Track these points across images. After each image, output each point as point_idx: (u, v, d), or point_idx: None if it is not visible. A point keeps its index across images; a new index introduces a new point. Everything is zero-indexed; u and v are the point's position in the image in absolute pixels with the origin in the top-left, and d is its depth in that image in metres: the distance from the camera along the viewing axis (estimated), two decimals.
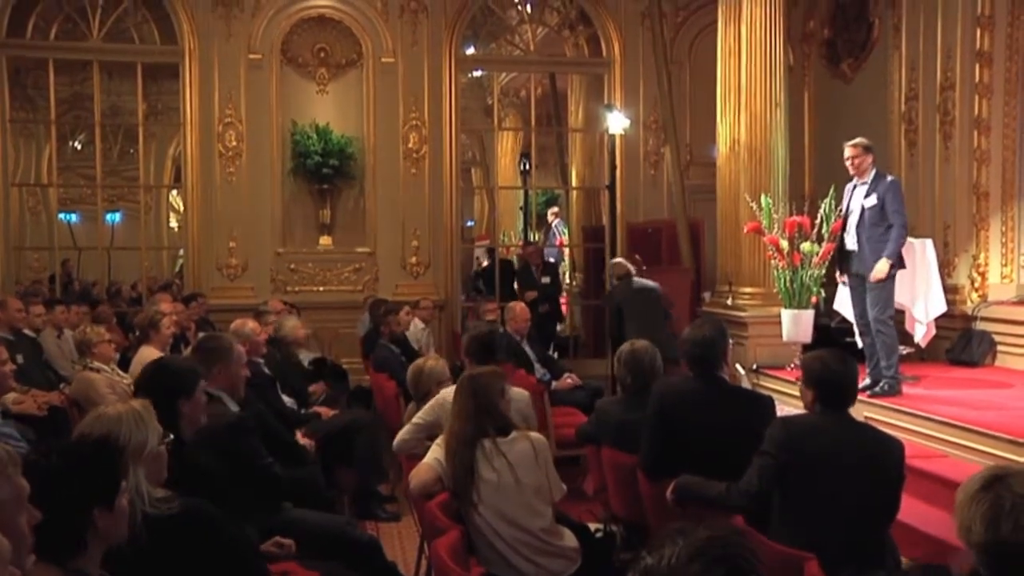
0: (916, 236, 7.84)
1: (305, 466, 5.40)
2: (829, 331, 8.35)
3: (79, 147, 16.13)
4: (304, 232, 11.23)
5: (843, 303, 7.86)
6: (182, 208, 12.05)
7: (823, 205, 7.54)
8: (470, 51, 12.30)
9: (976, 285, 8.72)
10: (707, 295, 9.75)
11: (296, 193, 11.14)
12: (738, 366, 8.21)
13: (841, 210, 7.27)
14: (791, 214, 7.99)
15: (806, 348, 7.39)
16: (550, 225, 15.43)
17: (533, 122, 13.04)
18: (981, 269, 8.71)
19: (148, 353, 6.39)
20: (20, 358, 6.82)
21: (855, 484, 3.56)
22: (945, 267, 8.59)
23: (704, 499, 3.96)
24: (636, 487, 4.52)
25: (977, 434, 5.78)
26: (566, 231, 14.59)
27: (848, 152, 7.06)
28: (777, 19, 8.66)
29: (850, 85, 10.42)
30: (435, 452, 4.14)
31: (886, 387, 6.89)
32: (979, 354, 8.32)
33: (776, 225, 7.90)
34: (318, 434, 6.21)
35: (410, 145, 11.19)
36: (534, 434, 4.15)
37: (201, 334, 6.84)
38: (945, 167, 8.87)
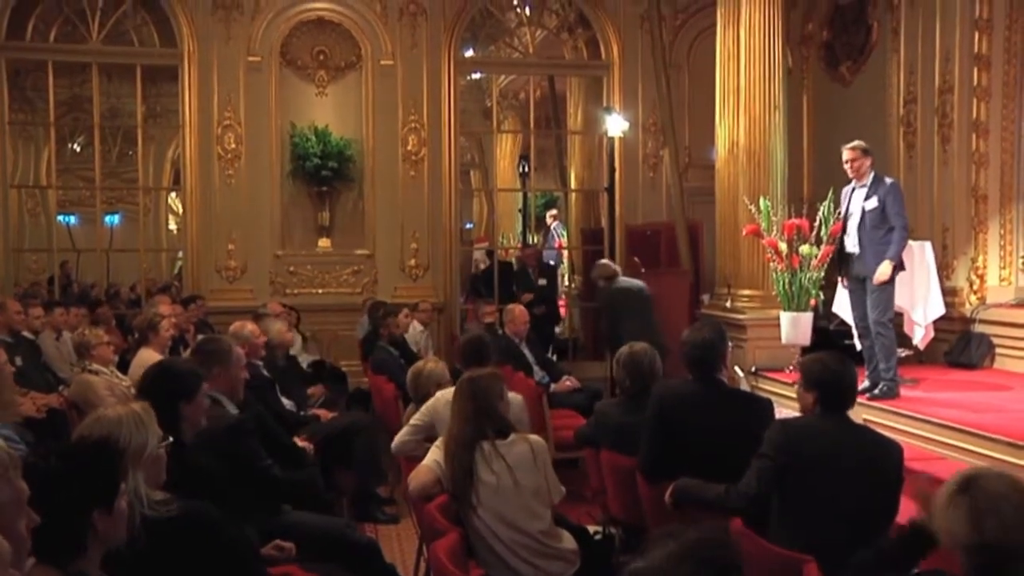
0: (915, 239, 7.83)
1: (304, 468, 5.38)
2: (828, 334, 8.35)
3: (78, 149, 16.10)
4: (303, 234, 11.23)
5: (842, 306, 7.86)
6: (181, 210, 12.04)
7: (822, 208, 7.51)
8: (469, 53, 12.29)
9: (974, 288, 8.72)
10: (706, 297, 9.73)
11: (295, 195, 11.14)
12: (737, 368, 8.20)
13: (840, 213, 7.26)
14: (790, 217, 7.96)
15: (805, 351, 7.35)
16: (549, 227, 15.41)
17: (532, 124, 13.03)
18: (979, 272, 8.71)
19: (147, 355, 6.43)
20: (19, 360, 6.81)
21: (854, 486, 3.56)
22: (943, 270, 8.58)
23: (703, 502, 3.98)
24: (635, 489, 4.53)
25: (976, 437, 5.77)
26: (565, 233, 14.57)
27: (846, 155, 7.06)
28: (776, 22, 8.64)
29: (849, 88, 10.43)
30: (434, 454, 4.16)
31: (885, 389, 6.88)
32: (978, 356, 8.31)
33: (775, 228, 7.87)
34: (317, 436, 6.20)
35: (409, 147, 11.20)
36: (533, 436, 4.16)
37: (200, 336, 6.87)
38: (943, 170, 8.87)
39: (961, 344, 8.49)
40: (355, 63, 11.18)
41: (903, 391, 7.02)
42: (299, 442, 5.81)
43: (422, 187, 11.26)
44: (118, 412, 3.05)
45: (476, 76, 14.81)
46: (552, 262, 13.57)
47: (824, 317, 8.43)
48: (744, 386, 7.93)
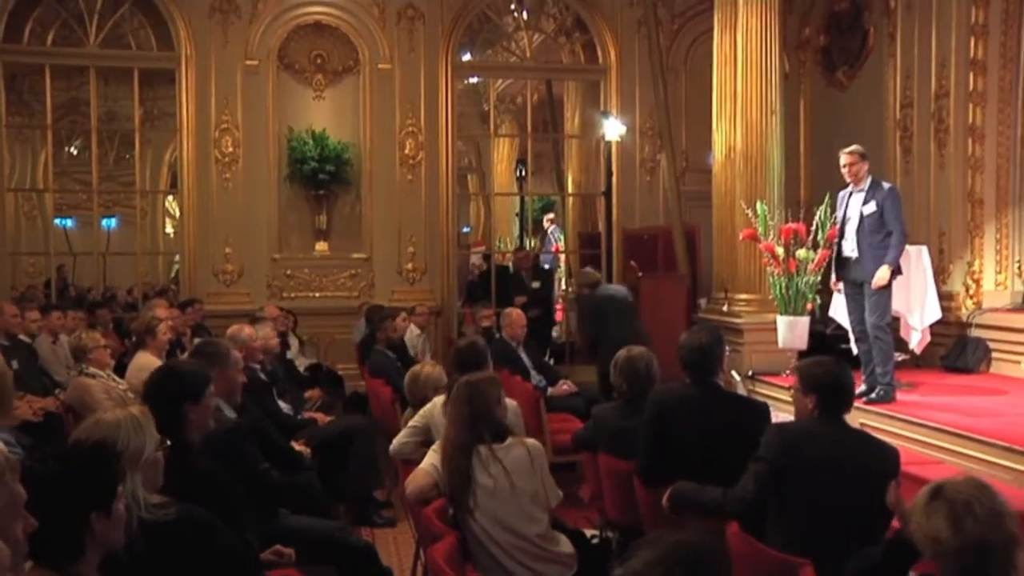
0: (911, 243, 7.79)
1: (301, 472, 5.37)
2: (825, 338, 8.35)
3: (75, 152, 16.09)
4: (300, 238, 11.22)
5: (839, 310, 7.86)
6: (178, 214, 12.03)
7: (818, 212, 7.54)
8: (466, 58, 12.31)
9: (971, 292, 8.73)
10: (703, 301, 9.74)
11: (292, 199, 11.14)
12: (734, 372, 8.21)
13: (836, 217, 7.27)
14: (787, 221, 7.98)
15: (801, 355, 7.36)
16: (546, 231, 15.41)
17: (529, 128, 13.04)
18: (976, 276, 8.72)
19: (144, 359, 6.42)
20: (15, 364, 6.79)
21: (851, 490, 3.56)
22: (940, 274, 8.60)
23: (700, 505, 3.97)
24: (632, 493, 4.51)
25: (972, 441, 5.78)
26: (562, 237, 14.57)
27: (844, 159, 7.06)
28: (773, 27, 8.67)
29: (845, 93, 10.45)
30: (431, 458, 4.13)
31: (881, 393, 6.89)
32: (974, 361, 8.33)
33: (772, 232, 7.90)
34: (314, 440, 6.19)
35: (406, 151, 11.21)
36: (530, 440, 4.14)
37: (197, 340, 6.83)
38: (940, 174, 8.88)
39: (957, 348, 8.50)
40: (353, 67, 11.18)
41: (899, 395, 7.02)
42: (296, 446, 5.80)
43: (419, 191, 11.27)
44: (116, 415, 3.04)
45: (473, 80, 14.83)
46: (548, 266, 13.58)
47: (821, 321, 8.43)
48: (741, 390, 7.92)
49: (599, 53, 11.81)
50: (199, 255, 10.94)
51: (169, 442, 3.26)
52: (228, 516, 3.35)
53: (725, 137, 8.96)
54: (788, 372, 7.75)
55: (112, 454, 2.55)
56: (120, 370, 6.83)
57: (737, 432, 4.16)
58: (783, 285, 7.80)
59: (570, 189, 13.99)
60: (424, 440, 4.82)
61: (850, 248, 7.13)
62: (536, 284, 11.50)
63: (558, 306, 12.95)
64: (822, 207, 7.53)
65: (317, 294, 11.12)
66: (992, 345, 8.36)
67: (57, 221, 14.87)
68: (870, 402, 6.85)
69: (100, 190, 12.33)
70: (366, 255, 11.24)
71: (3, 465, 2.14)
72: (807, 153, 10.99)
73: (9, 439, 4.76)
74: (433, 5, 11.23)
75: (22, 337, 7.65)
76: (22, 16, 10.71)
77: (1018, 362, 8.09)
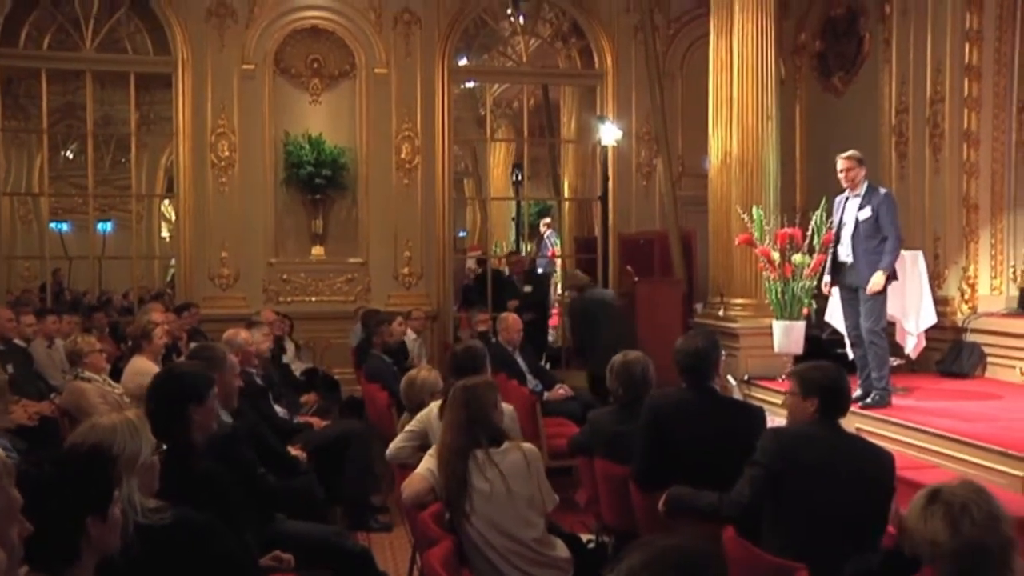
0: (906, 248, 7.79)
1: (298, 477, 5.37)
2: (820, 342, 8.32)
3: (71, 156, 16.04)
4: (296, 242, 11.19)
5: (834, 315, 7.86)
6: (174, 218, 12.01)
7: (814, 217, 7.55)
8: (463, 62, 12.30)
9: (966, 297, 8.75)
10: (699, 306, 9.74)
11: (288, 203, 11.11)
12: (730, 377, 8.16)
13: (832, 222, 7.28)
14: (782, 226, 7.98)
15: (797, 360, 7.36)
16: (542, 236, 15.42)
17: (526, 133, 13.04)
18: (971, 281, 8.75)
19: (140, 363, 6.39)
20: (10, 368, 6.79)
21: (847, 495, 3.57)
22: (935, 279, 8.61)
23: (696, 510, 3.97)
24: (628, 498, 4.51)
25: (968, 446, 5.78)
26: (558, 242, 14.56)
27: (841, 164, 7.07)
28: (768, 32, 8.67)
29: (841, 98, 10.46)
30: (428, 462, 4.13)
31: (877, 398, 6.89)
32: (969, 366, 8.34)
33: (767, 237, 7.89)
34: (311, 444, 6.18)
35: (403, 156, 11.19)
36: (526, 445, 4.15)
37: (193, 344, 6.83)
38: (935, 179, 8.90)
39: (953, 353, 8.51)
40: (349, 71, 11.17)
41: (895, 400, 7.01)
42: (293, 451, 5.79)
43: (415, 195, 11.25)
44: (112, 419, 3.03)
45: (470, 85, 14.79)
46: (543, 270, 13.58)
47: (816, 326, 8.41)
48: (737, 395, 7.90)
49: (595, 58, 11.80)
50: (195, 259, 10.90)
51: (167, 446, 3.26)
52: (232, 518, 3.37)
53: (721, 142, 8.94)
54: (784, 377, 7.74)
55: (108, 458, 2.56)
56: (115, 375, 6.82)
57: (733, 436, 4.17)
58: (779, 290, 7.79)
59: (566, 194, 13.97)
60: (421, 444, 4.80)
61: (846, 253, 7.13)
62: (528, 288, 11.49)
63: (554, 310, 12.95)
64: (818, 212, 7.53)
65: (313, 298, 11.09)
66: (987, 350, 8.38)
67: (53, 225, 14.81)
68: (866, 407, 6.83)
69: (96, 194, 12.31)
70: (362, 259, 11.21)
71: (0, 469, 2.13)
72: (803, 158, 10.99)
73: (4, 443, 4.78)
74: (429, 9, 11.22)
75: (17, 341, 7.62)
76: (18, 20, 10.68)
77: (1013, 367, 8.11)
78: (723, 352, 5.22)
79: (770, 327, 7.95)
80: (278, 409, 6.76)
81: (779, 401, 6.95)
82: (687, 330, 7.93)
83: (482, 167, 16.74)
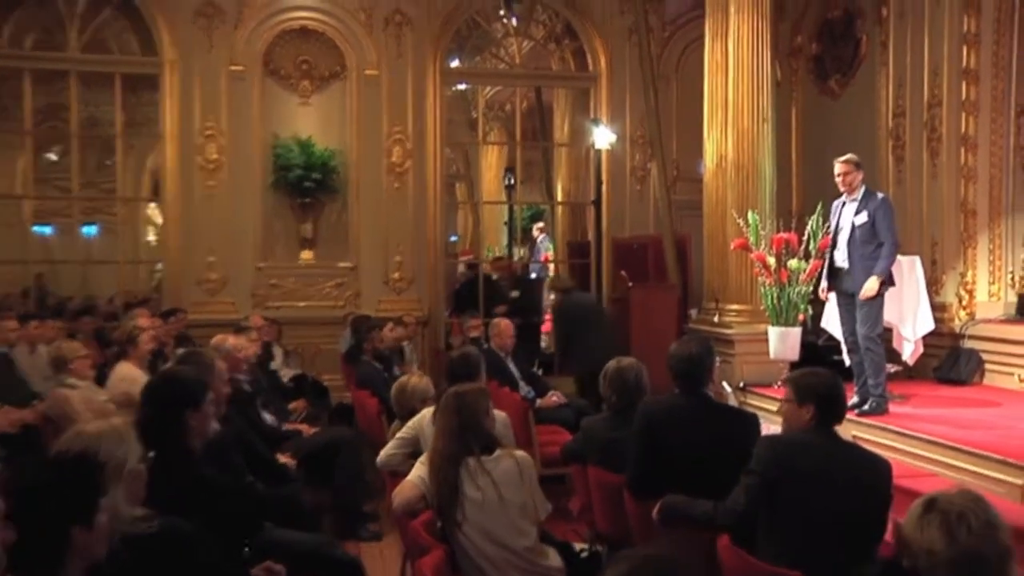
0: (904, 253, 7.83)
1: (286, 484, 5.35)
2: (816, 349, 8.34)
3: (55, 158, 15.88)
4: (285, 246, 11.13)
5: (831, 321, 7.87)
6: (161, 221, 11.91)
7: (811, 222, 7.51)
8: (455, 64, 12.27)
9: (964, 303, 8.73)
10: (694, 312, 9.72)
11: (277, 207, 11.04)
12: (724, 384, 8.16)
13: (829, 227, 7.26)
14: (778, 231, 7.95)
15: (793, 366, 7.33)
16: (535, 240, 15.36)
17: (518, 136, 12.97)
18: (969, 287, 8.73)
19: (126, 369, 6.38)
20: None
21: (843, 503, 3.55)
22: (933, 285, 8.61)
23: (690, 518, 3.95)
24: (622, 506, 4.49)
25: (965, 453, 5.76)
26: (551, 246, 14.54)
27: (839, 168, 7.05)
28: (764, 34, 8.66)
29: (838, 101, 10.47)
30: (419, 470, 4.11)
31: (874, 405, 6.88)
32: (967, 372, 8.33)
33: (763, 242, 7.86)
34: (300, 452, 6.17)
35: (394, 159, 11.14)
36: (519, 452, 4.13)
37: (180, 350, 6.78)
38: (932, 184, 8.89)
39: (950, 360, 8.50)
40: (339, 73, 11.11)
41: (892, 407, 7.01)
42: (282, 458, 5.79)
43: (407, 199, 11.20)
44: (98, 427, 3.03)
45: (462, 87, 14.76)
46: (536, 275, 13.52)
47: (812, 332, 8.42)
48: (732, 401, 7.89)
49: (589, 60, 11.79)
50: (182, 263, 10.84)
51: (163, 452, 3.33)
52: (226, 526, 3.42)
53: (716, 146, 8.93)
54: (779, 384, 7.70)
55: (94, 466, 2.56)
56: (100, 381, 6.72)
57: (727, 443, 4.18)
58: (774, 295, 7.76)
59: (559, 198, 13.97)
60: (412, 452, 4.79)
61: (842, 258, 7.13)
62: (515, 293, 11.41)
63: (547, 316, 12.87)
64: (814, 217, 7.50)
65: (302, 303, 11.02)
66: (985, 357, 8.36)
67: (36, 228, 14.68)
68: (862, 414, 6.83)
69: (80, 197, 12.20)
70: (352, 264, 11.15)
71: None
72: (799, 162, 11.01)
73: None
74: (421, 10, 11.17)
75: None
76: (1, 19, 10.59)
77: (1012, 374, 8.09)
78: (717, 358, 5.19)
79: (765, 333, 7.92)
80: (266, 416, 6.71)
81: (775, 408, 6.93)
82: (681, 336, 7.87)
83: (474, 170, 16.72)
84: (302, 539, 4.52)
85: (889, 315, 7.40)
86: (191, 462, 3.62)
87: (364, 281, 11.14)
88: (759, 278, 7.93)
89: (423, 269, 11.31)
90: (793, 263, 7.61)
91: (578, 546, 4.61)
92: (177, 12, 10.65)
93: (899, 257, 7.33)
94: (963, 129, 8.65)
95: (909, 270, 8.00)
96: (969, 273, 8.73)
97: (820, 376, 3.89)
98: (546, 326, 12.75)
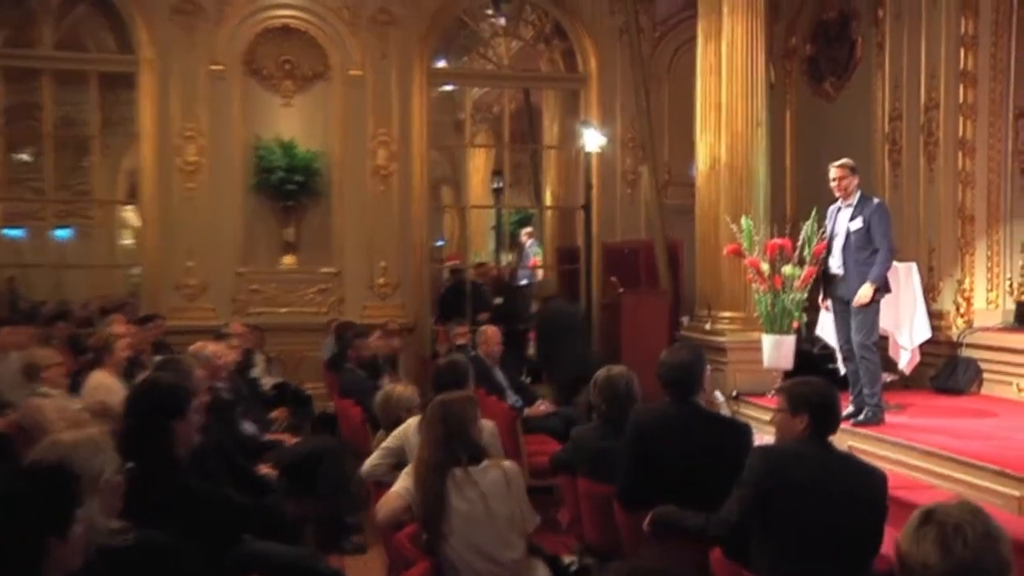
0: (900, 260, 7.83)
1: (267, 495, 5.25)
2: (811, 357, 8.27)
3: (28, 159, 15.64)
4: (267, 251, 10.97)
5: (826, 328, 7.86)
6: (138, 224, 11.72)
7: (805, 227, 7.47)
8: (441, 64, 12.23)
9: (961, 311, 8.66)
10: (685, 319, 9.69)
11: (259, 210, 10.88)
12: (717, 393, 8.11)
13: (824, 233, 7.22)
14: (772, 236, 7.95)
15: (787, 375, 7.33)
16: (523, 246, 15.27)
17: (507, 139, 12.91)
18: (966, 294, 8.66)
19: (100, 377, 6.26)
20: None
21: (837, 515, 3.53)
22: (930, 292, 8.58)
23: (682, 530, 3.93)
24: (612, 518, 4.45)
25: (963, 465, 5.72)
26: (540, 252, 14.50)
27: (834, 173, 7.01)
28: (758, 35, 8.60)
29: (833, 104, 10.43)
30: (404, 481, 4.05)
31: (869, 415, 6.85)
32: (965, 382, 8.27)
33: (757, 247, 7.83)
34: (281, 462, 6.08)
35: (378, 161, 11.03)
36: (507, 462, 4.10)
37: (158, 357, 6.77)
38: (929, 188, 8.84)
39: (948, 369, 8.45)
40: (323, 73, 10.98)
41: (888, 417, 6.98)
42: (263, 469, 5.73)
43: (391, 203, 11.09)
44: (74, 437, 3.01)
45: (448, 88, 14.66)
46: (527, 281, 13.41)
47: (807, 340, 8.40)
48: (725, 411, 7.87)
49: (579, 61, 11.73)
50: (160, 268, 10.69)
51: (148, 462, 3.37)
52: (208, 537, 3.42)
53: (709, 149, 8.86)
54: (773, 393, 7.59)
55: (69, 476, 2.54)
56: (74, 389, 6.52)
57: (719, 453, 4.17)
58: (768, 302, 7.73)
59: (548, 202, 13.93)
60: (397, 462, 4.75)
61: (837, 265, 7.11)
62: (499, 300, 11.30)
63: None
64: (809, 222, 7.47)
65: (284, 309, 10.88)
66: (983, 365, 8.31)
67: (7, 231, 14.46)
68: (858, 424, 6.81)
69: (54, 199, 12.00)
70: (336, 269, 11.02)
71: None
72: (793, 166, 10.97)
73: None
74: (407, 9, 11.07)
75: None
76: None
77: (1010, 383, 8.04)
78: (708, 366, 5.11)
79: (759, 341, 7.89)
80: (246, 426, 6.63)
81: (768, 418, 6.86)
82: (673, 343, 7.90)
83: (461, 174, 16.59)
84: (284, 551, 4.45)
85: (885, 323, 7.37)
86: (176, 471, 3.64)
87: (348, 287, 11.02)
88: (752, 284, 7.90)
89: (408, 274, 11.22)
90: (787, 269, 7.58)
91: (567, 559, 4.61)
92: (155, 9, 10.50)
93: (895, 263, 7.31)
94: (961, 133, 8.58)
95: (905, 277, 7.99)
96: (967, 280, 8.65)
97: (814, 385, 3.88)
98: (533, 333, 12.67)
